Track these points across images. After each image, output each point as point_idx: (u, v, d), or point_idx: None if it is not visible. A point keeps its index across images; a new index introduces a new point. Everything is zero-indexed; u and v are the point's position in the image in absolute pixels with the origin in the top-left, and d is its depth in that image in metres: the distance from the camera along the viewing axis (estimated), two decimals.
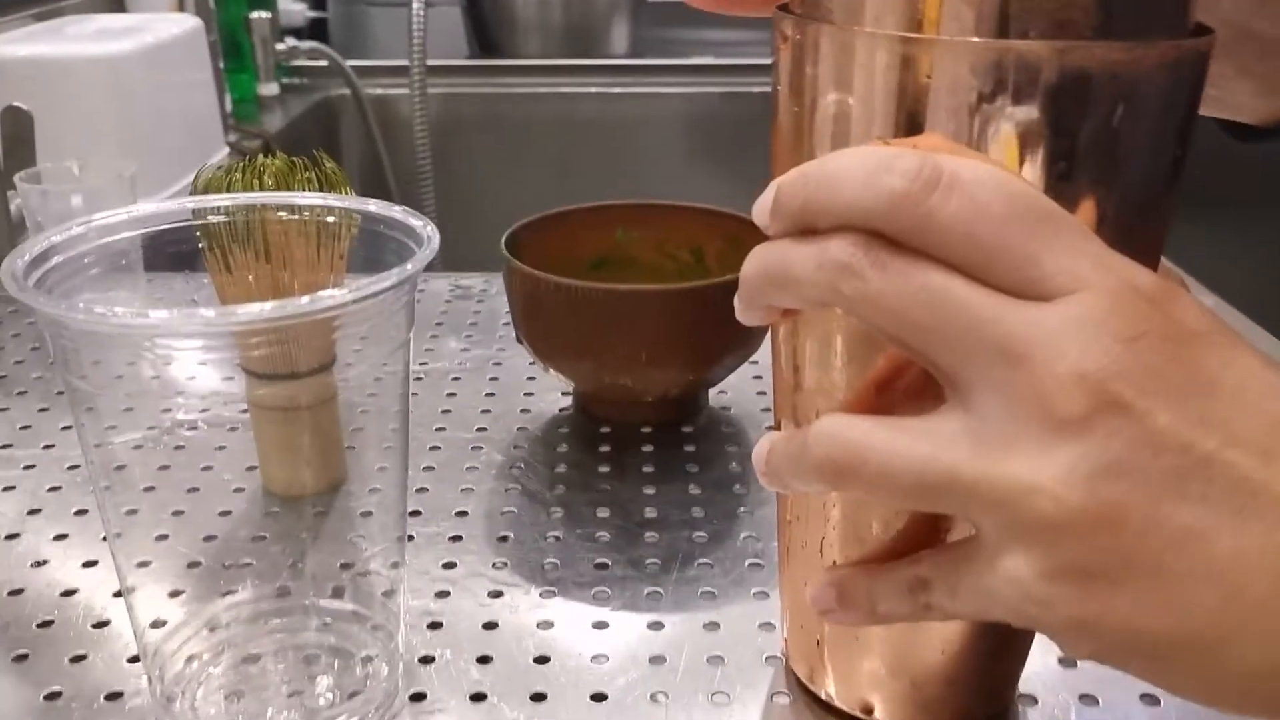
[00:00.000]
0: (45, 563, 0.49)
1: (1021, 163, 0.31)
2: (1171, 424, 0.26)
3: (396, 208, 0.40)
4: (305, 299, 0.33)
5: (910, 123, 0.31)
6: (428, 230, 0.39)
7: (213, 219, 0.42)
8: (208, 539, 0.45)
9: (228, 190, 0.45)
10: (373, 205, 0.41)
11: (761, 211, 0.31)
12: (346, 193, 0.45)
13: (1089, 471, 0.26)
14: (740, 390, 0.66)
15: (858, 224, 0.28)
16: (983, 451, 0.27)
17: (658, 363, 0.57)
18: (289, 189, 0.46)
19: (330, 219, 0.42)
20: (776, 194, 0.30)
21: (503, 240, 0.61)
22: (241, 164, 0.48)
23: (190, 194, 0.44)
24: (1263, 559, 0.25)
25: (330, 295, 0.34)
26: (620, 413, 0.62)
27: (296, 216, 0.43)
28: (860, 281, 0.28)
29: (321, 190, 0.46)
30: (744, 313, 0.32)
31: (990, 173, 0.28)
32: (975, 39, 0.30)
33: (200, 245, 0.43)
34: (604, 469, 0.58)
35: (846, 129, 0.33)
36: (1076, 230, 0.28)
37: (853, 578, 0.33)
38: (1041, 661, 0.43)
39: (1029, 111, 0.30)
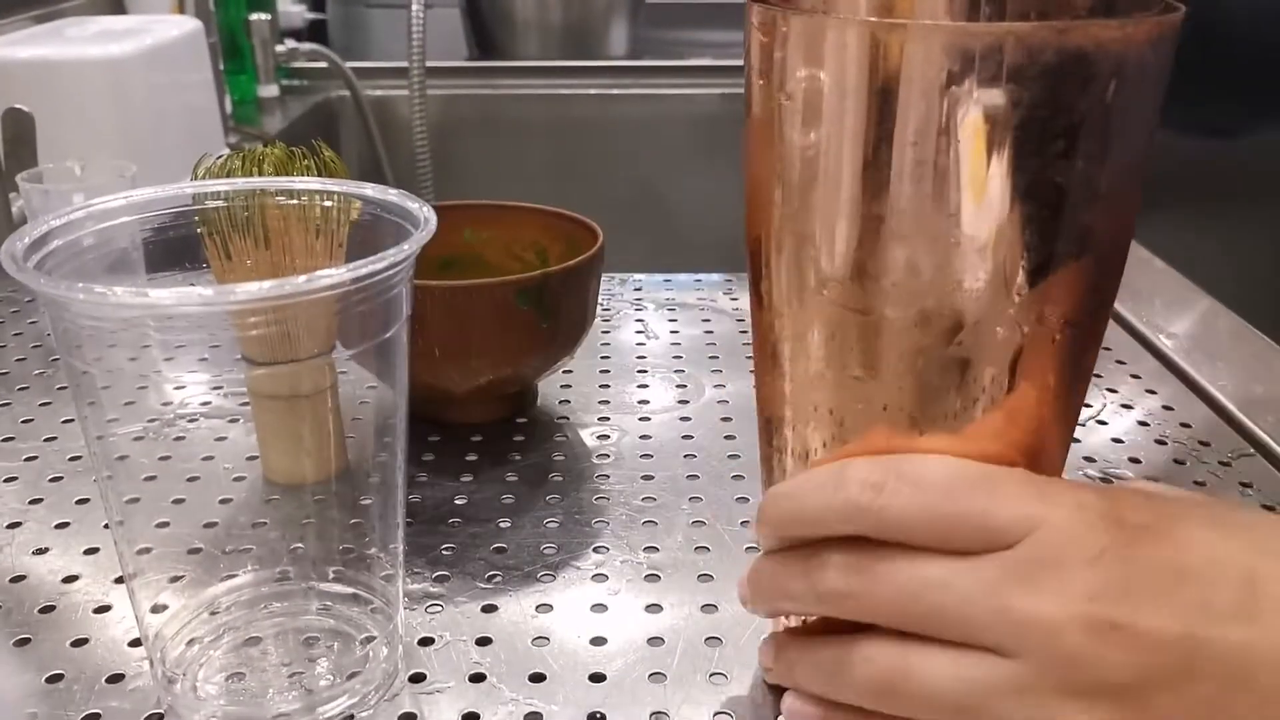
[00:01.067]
0: (47, 550, 0.50)
1: (1021, 143, 0.31)
2: (1154, 625, 0.28)
3: (393, 191, 0.41)
4: (303, 278, 0.34)
5: (885, 104, 0.31)
6: (424, 212, 0.39)
7: (211, 204, 0.43)
8: (208, 525, 0.46)
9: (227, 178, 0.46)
10: (369, 189, 0.41)
11: (754, 526, 0.37)
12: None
13: (1093, 688, 0.29)
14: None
15: (826, 532, 0.33)
16: (1006, 691, 0.30)
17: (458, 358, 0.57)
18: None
19: (328, 203, 0.42)
20: (759, 513, 0.36)
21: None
22: (241, 154, 0.48)
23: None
24: None
25: (328, 274, 0.34)
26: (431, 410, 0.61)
27: (295, 201, 0.43)
28: (854, 602, 0.33)
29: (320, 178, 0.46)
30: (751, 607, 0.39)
31: (929, 457, 0.32)
32: (970, 23, 0.31)
33: (199, 231, 0.43)
34: (603, 455, 0.58)
35: (819, 115, 0.33)
36: (1014, 478, 0.31)
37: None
38: None
39: (1031, 92, 0.30)
